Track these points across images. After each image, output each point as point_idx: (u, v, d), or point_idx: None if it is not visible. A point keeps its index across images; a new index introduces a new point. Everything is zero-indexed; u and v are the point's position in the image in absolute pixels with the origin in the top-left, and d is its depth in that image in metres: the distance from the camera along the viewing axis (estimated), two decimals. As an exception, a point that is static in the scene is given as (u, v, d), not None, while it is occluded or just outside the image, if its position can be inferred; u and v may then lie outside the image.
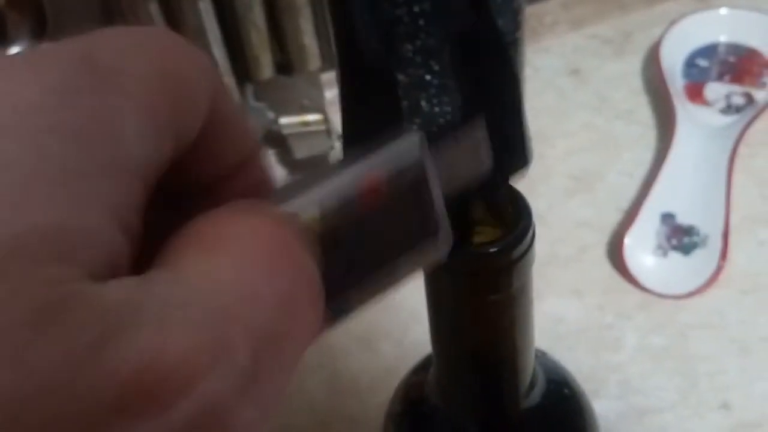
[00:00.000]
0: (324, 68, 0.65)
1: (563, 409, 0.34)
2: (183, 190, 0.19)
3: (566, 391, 0.34)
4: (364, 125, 0.23)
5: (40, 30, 0.61)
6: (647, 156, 0.66)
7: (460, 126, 0.23)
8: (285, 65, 0.63)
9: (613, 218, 0.62)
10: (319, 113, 0.65)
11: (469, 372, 0.29)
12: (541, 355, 0.33)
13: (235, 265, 0.16)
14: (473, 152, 0.23)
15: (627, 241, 0.58)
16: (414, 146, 0.21)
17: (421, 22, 0.23)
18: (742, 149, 0.62)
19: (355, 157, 0.20)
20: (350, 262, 0.20)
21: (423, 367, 0.35)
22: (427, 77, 0.25)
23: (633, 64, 0.73)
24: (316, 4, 0.61)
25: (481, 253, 0.23)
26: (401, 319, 0.58)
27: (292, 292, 0.17)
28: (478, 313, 0.26)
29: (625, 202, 0.63)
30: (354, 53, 0.23)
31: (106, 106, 0.16)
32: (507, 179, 0.25)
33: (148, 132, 0.16)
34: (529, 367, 0.29)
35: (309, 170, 0.23)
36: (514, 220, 0.24)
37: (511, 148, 0.25)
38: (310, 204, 0.19)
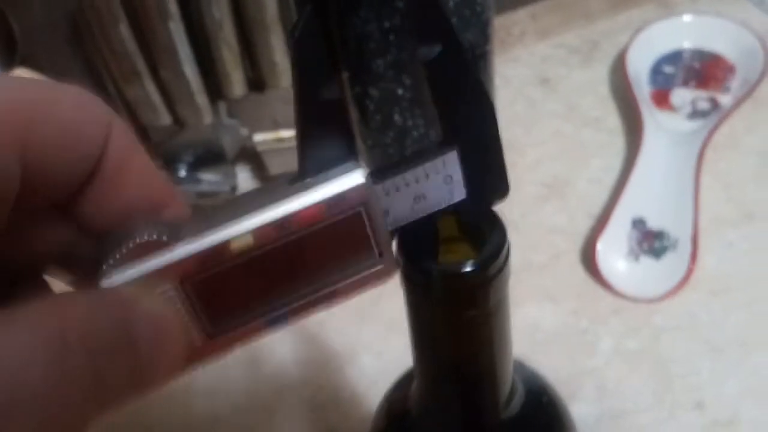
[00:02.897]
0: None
1: (542, 418, 0.34)
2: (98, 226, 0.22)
3: (544, 399, 0.35)
4: (318, 163, 0.23)
5: (10, 55, 0.61)
6: (616, 162, 0.67)
7: (435, 156, 0.23)
8: (257, 82, 0.64)
9: (585, 224, 0.63)
10: (292, 129, 0.65)
11: (449, 385, 0.29)
12: (519, 365, 0.33)
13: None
14: (446, 182, 0.24)
15: (599, 246, 0.59)
16: (357, 179, 0.22)
17: (391, 37, 0.23)
18: (709, 153, 0.63)
19: (299, 185, 0.22)
20: (284, 279, 0.22)
21: (404, 381, 0.35)
22: (399, 91, 0.25)
23: (600, 72, 0.74)
24: (286, 21, 0.61)
25: (458, 272, 0.23)
26: (381, 332, 0.58)
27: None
28: (457, 329, 0.26)
29: (595, 208, 0.64)
30: (309, 89, 0.23)
31: None
32: (485, 208, 0.25)
33: None
34: (507, 378, 0.29)
35: (251, 191, 0.24)
36: (489, 236, 0.24)
37: (490, 178, 0.25)
38: (245, 228, 0.21)
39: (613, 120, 0.70)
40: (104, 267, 0.21)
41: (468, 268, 0.23)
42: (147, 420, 0.57)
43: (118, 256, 0.21)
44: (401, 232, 0.24)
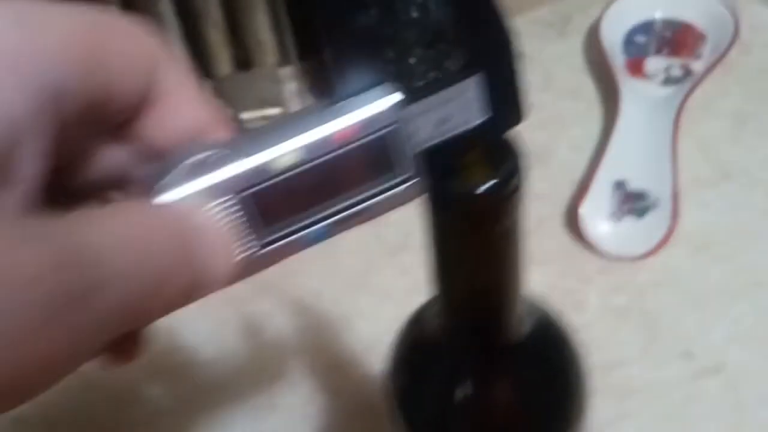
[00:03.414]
0: (282, 63, 0.67)
1: (551, 341, 0.36)
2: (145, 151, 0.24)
3: (552, 325, 0.37)
4: (351, 86, 0.24)
5: None
6: (595, 130, 0.69)
7: (459, 80, 0.25)
8: (243, 61, 0.65)
9: (568, 190, 0.65)
10: (278, 107, 0.66)
11: (468, 305, 0.31)
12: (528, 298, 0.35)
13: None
14: (469, 105, 0.25)
15: (582, 210, 0.61)
16: (388, 101, 0.23)
17: None
18: (684, 117, 0.65)
19: (336, 107, 0.23)
20: (324, 194, 0.24)
21: (421, 312, 0.37)
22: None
23: (575, 45, 0.76)
24: (271, -1, 0.62)
25: (479, 190, 0.25)
26: (375, 301, 0.60)
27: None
28: (477, 246, 0.27)
29: (577, 174, 0.66)
30: (340, 16, 0.24)
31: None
32: (502, 132, 0.26)
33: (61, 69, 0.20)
34: (521, 299, 0.31)
35: (292, 113, 0.25)
36: (506, 158, 0.25)
37: (507, 104, 0.26)
38: (291, 146, 0.23)
39: (589, 90, 0.72)
40: (161, 184, 0.22)
41: (489, 186, 0.25)
42: (154, 390, 0.57)
43: (174, 173, 0.22)
44: (427, 154, 0.25)
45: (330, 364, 0.57)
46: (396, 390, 0.37)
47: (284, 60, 0.66)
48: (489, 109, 0.25)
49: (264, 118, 0.67)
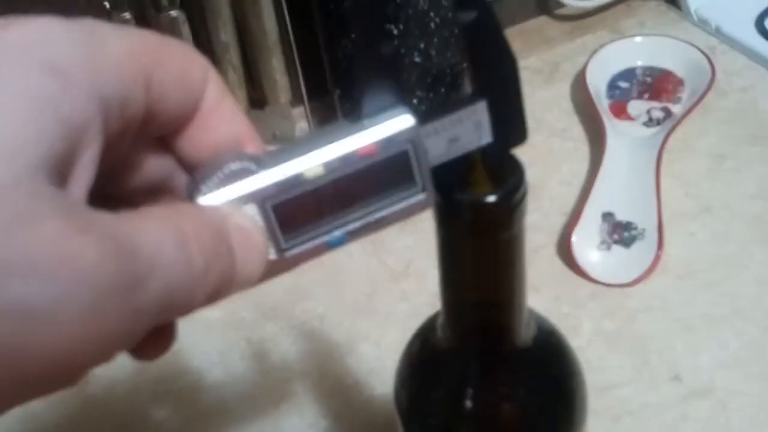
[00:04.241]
0: (294, 102, 0.65)
1: (552, 350, 0.34)
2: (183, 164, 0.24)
3: (553, 337, 0.34)
4: (374, 107, 0.24)
5: None
6: (583, 166, 0.66)
7: (468, 105, 0.25)
8: (258, 100, 0.62)
9: (559, 221, 0.62)
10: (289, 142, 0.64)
11: (473, 312, 0.30)
12: (533, 311, 0.33)
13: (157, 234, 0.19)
14: (479, 126, 0.25)
15: (574, 239, 0.58)
16: (406, 122, 0.24)
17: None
18: (666, 156, 0.62)
19: (359, 125, 0.23)
20: (346, 204, 0.24)
21: (428, 325, 0.35)
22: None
23: (563, 90, 0.74)
24: (285, 44, 0.60)
25: (485, 202, 0.25)
26: (377, 324, 0.57)
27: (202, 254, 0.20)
28: (482, 254, 0.27)
29: (567, 207, 0.63)
30: (370, 46, 0.24)
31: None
32: (506, 151, 0.26)
33: (116, 76, 0.20)
34: (524, 306, 0.30)
35: (320, 130, 0.25)
36: (510, 174, 0.25)
37: (511, 125, 0.26)
38: (317, 160, 0.23)
39: (577, 130, 0.70)
40: (201, 189, 0.22)
41: (493, 199, 0.25)
42: (159, 414, 0.54)
43: (213, 180, 0.22)
44: (436, 171, 0.25)
45: (334, 388, 0.54)
46: (404, 403, 0.35)
47: (296, 100, 0.64)
48: (496, 129, 0.25)
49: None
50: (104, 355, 0.19)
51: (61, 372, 0.18)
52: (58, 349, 0.17)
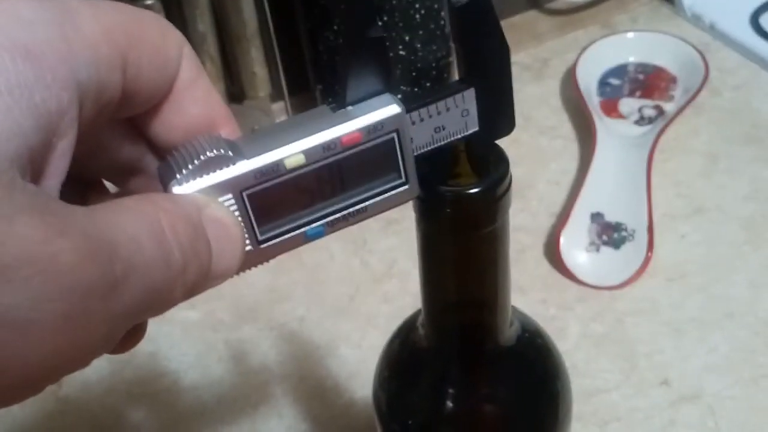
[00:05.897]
0: (274, 97, 0.64)
1: (536, 350, 0.33)
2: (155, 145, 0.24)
3: (538, 337, 0.34)
4: (358, 93, 0.24)
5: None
6: (572, 166, 0.66)
7: (455, 92, 0.24)
8: (237, 93, 0.62)
9: (547, 222, 0.61)
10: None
11: (455, 310, 0.29)
12: (517, 310, 0.33)
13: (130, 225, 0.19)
14: (465, 115, 0.24)
15: (562, 240, 0.58)
16: (392, 109, 0.23)
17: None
18: (657, 155, 0.62)
19: (343, 112, 0.23)
20: (327, 194, 0.23)
21: (407, 325, 0.34)
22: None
23: (552, 86, 0.73)
24: (265, 34, 0.59)
25: (467, 193, 0.24)
26: (358, 326, 0.56)
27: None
28: (464, 249, 0.26)
29: (555, 207, 0.62)
30: (358, 28, 0.23)
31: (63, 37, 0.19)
32: (492, 141, 0.26)
33: (91, 60, 0.19)
34: (507, 304, 0.30)
35: (299, 115, 0.24)
36: (494, 165, 0.25)
37: (499, 114, 0.25)
38: (299, 148, 0.22)
39: (566, 128, 0.69)
40: (175, 177, 0.21)
41: (475, 190, 0.24)
42: (135, 416, 0.53)
43: (188, 168, 0.21)
44: (424, 159, 0.24)
45: (314, 391, 0.53)
46: (383, 404, 0.34)
47: (276, 94, 0.63)
48: (482, 119, 0.25)
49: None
50: (81, 361, 0.18)
51: (35, 381, 0.17)
52: (32, 358, 0.16)
